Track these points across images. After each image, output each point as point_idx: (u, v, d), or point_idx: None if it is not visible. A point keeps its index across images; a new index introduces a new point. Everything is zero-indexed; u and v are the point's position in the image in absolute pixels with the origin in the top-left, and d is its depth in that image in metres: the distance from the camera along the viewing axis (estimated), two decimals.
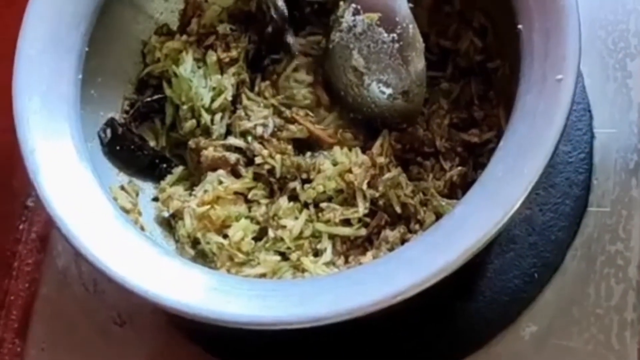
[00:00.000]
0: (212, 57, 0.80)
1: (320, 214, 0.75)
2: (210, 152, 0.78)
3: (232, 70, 0.80)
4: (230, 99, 0.80)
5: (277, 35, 0.81)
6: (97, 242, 0.66)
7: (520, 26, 0.67)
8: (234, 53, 0.81)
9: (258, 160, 0.77)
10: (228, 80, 0.80)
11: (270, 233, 0.75)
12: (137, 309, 0.84)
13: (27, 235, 0.93)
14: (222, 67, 0.81)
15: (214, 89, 0.80)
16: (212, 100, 0.79)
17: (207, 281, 0.64)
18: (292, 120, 0.79)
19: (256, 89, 0.81)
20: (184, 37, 0.82)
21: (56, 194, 0.68)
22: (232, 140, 0.79)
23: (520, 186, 0.61)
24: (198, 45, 0.82)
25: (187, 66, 0.80)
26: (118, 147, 0.78)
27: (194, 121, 0.80)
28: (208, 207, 0.76)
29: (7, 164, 0.87)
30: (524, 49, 0.66)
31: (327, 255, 0.74)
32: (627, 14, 0.86)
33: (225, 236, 0.75)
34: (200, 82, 0.80)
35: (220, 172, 0.78)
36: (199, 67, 0.81)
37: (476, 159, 0.77)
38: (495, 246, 0.79)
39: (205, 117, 0.79)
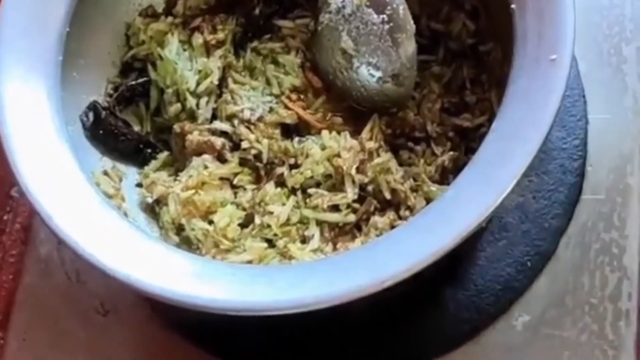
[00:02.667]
0: (198, 39, 0.79)
1: (307, 200, 0.73)
2: (195, 137, 0.76)
3: (219, 52, 0.79)
4: (216, 82, 0.78)
5: (265, 18, 0.80)
6: (77, 226, 0.64)
7: (513, 6, 0.65)
8: (220, 35, 0.79)
9: (244, 144, 0.75)
10: (214, 63, 0.78)
11: (257, 219, 0.73)
12: (120, 298, 0.82)
13: (12, 226, 0.91)
14: (208, 50, 0.79)
15: (199, 72, 0.78)
16: (198, 83, 0.78)
17: (191, 266, 0.62)
18: (280, 104, 0.77)
19: (243, 72, 0.79)
20: (170, 19, 0.80)
21: (35, 178, 0.66)
22: (218, 125, 0.77)
23: (513, 170, 0.59)
24: (184, 28, 0.80)
25: (172, 48, 0.78)
26: (101, 132, 0.76)
27: (179, 105, 0.78)
28: (193, 192, 0.74)
29: None
30: (516, 29, 0.65)
31: (315, 242, 0.72)
32: None
33: (211, 222, 0.74)
34: (186, 65, 0.78)
35: (206, 157, 0.76)
36: (184, 50, 0.79)
37: (468, 143, 0.75)
38: (487, 234, 0.78)
39: (191, 101, 0.77)
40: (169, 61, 0.78)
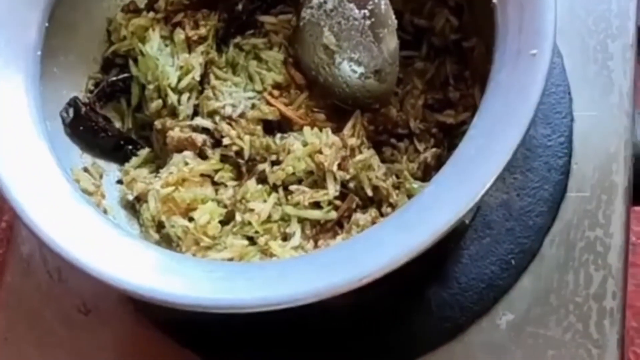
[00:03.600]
0: (179, 35, 0.78)
1: (289, 197, 0.72)
2: (176, 133, 0.76)
3: (201, 49, 0.78)
4: (198, 78, 0.77)
5: (248, 13, 0.79)
6: (54, 224, 0.63)
7: (494, 1, 0.65)
8: (202, 31, 0.78)
9: (226, 141, 0.75)
10: (196, 59, 0.77)
11: (238, 217, 0.73)
12: (102, 297, 0.82)
13: None
14: (190, 46, 0.78)
15: (181, 67, 0.77)
16: (179, 79, 0.77)
17: (168, 263, 0.62)
18: (263, 101, 0.76)
19: (225, 68, 0.79)
20: (151, 14, 0.79)
21: (13, 175, 0.65)
22: (199, 121, 0.76)
23: (493, 165, 0.58)
24: (165, 23, 0.79)
25: (153, 44, 0.77)
26: (81, 128, 0.76)
27: (160, 101, 0.77)
28: (173, 189, 0.73)
29: None
30: (498, 24, 0.64)
31: (296, 240, 0.71)
32: None
33: (191, 219, 0.73)
34: (167, 61, 0.77)
35: (187, 153, 0.75)
36: (166, 46, 0.78)
37: (451, 140, 0.74)
38: (471, 231, 0.77)
39: (172, 97, 0.76)
40: (150, 57, 0.77)
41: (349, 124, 0.74)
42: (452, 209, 0.58)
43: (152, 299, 0.59)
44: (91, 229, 0.64)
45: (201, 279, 0.60)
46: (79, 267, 0.61)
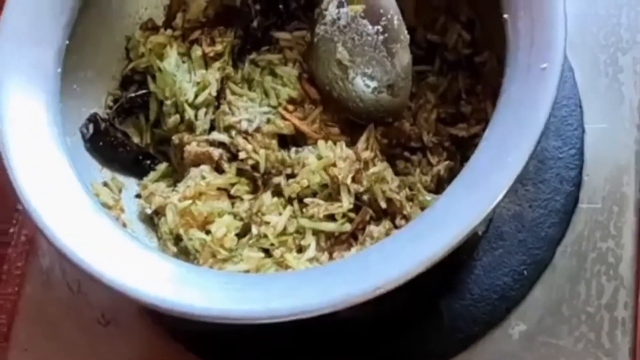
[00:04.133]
0: (196, 51, 0.80)
1: (304, 210, 0.74)
2: (193, 148, 0.77)
3: (217, 64, 0.79)
4: (214, 94, 0.79)
5: (263, 30, 0.81)
6: (75, 237, 0.64)
7: (505, 15, 0.66)
8: (219, 47, 0.80)
9: (242, 155, 0.76)
10: (212, 75, 0.79)
11: (254, 229, 0.74)
12: (121, 309, 0.83)
13: (17, 238, 0.92)
14: (206, 62, 0.80)
15: (198, 83, 0.79)
16: (196, 95, 0.78)
17: (185, 275, 0.63)
18: (278, 115, 0.78)
19: (240, 84, 0.80)
20: (169, 31, 0.81)
21: (35, 190, 0.66)
22: (216, 136, 0.77)
23: (504, 177, 0.59)
24: (183, 40, 0.81)
25: (171, 61, 0.79)
26: (101, 143, 0.77)
27: (177, 116, 0.79)
28: (190, 202, 0.74)
29: None
30: (509, 39, 0.65)
31: (311, 251, 0.72)
32: (618, 7, 0.85)
33: (208, 232, 0.74)
34: (185, 77, 0.79)
35: (204, 167, 0.77)
36: (183, 62, 0.80)
37: (464, 153, 0.76)
38: (483, 243, 0.78)
39: (189, 112, 0.78)
40: (168, 73, 0.79)
41: (363, 138, 0.75)
42: (465, 221, 0.59)
43: (170, 311, 0.60)
44: (111, 242, 0.65)
45: (218, 290, 0.60)
46: (98, 279, 0.62)
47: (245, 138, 0.76)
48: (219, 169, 0.77)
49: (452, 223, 0.59)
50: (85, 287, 0.85)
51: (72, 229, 0.65)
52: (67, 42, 0.73)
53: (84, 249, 0.64)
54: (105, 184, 0.76)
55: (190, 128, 0.79)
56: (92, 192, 0.71)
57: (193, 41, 0.81)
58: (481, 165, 0.62)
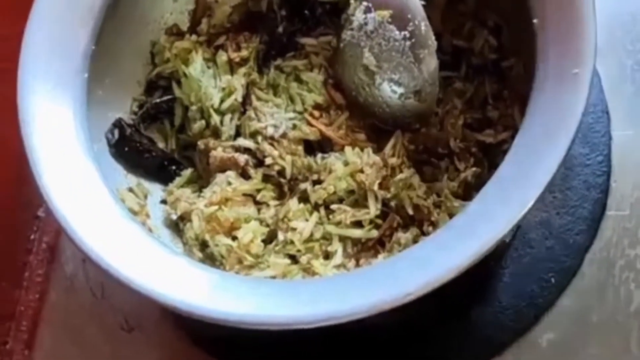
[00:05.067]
0: (222, 57, 0.79)
1: (330, 216, 0.73)
2: (219, 153, 0.77)
3: (243, 70, 0.79)
4: (240, 99, 0.79)
5: (288, 35, 0.81)
6: (102, 242, 0.64)
7: (535, 20, 0.65)
8: (244, 53, 0.79)
9: (268, 161, 0.76)
10: (238, 81, 0.79)
11: (280, 236, 0.74)
12: (145, 315, 0.83)
13: (38, 245, 0.92)
14: (232, 67, 0.80)
15: (223, 89, 0.78)
16: (222, 100, 0.78)
17: (215, 281, 0.62)
18: (304, 121, 0.78)
19: (266, 89, 0.80)
20: (194, 37, 0.80)
21: (61, 195, 0.66)
22: (242, 141, 0.77)
23: (534, 185, 0.59)
24: (208, 45, 0.81)
25: (196, 66, 0.79)
26: (126, 149, 0.77)
27: (203, 122, 0.79)
28: (216, 208, 0.74)
29: (18, 174, 0.86)
30: (538, 44, 0.65)
31: (338, 258, 0.72)
32: None
33: (234, 238, 0.74)
34: (210, 82, 0.79)
35: (229, 173, 0.76)
36: (208, 67, 0.79)
37: (491, 159, 0.75)
38: (511, 250, 0.77)
39: (215, 118, 0.78)
40: (193, 79, 0.78)
41: (390, 144, 0.75)
42: (495, 229, 0.58)
43: (205, 318, 0.60)
44: (138, 247, 0.65)
45: (248, 296, 0.60)
46: (128, 285, 0.62)
47: (272, 144, 0.76)
48: (244, 175, 0.77)
49: (482, 231, 0.59)
50: (109, 292, 0.85)
51: (100, 235, 0.65)
52: (93, 47, 0.73)
53: (114, 255, 0.64)
54: (131, 190, 0.76)
55: (216, 134, 0.79)
56: (119, 198, 0.71)
57: (218, 47, 0.81)
58: (511, 172, 0.61)
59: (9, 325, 0.88)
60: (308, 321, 0.59)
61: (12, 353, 0.87)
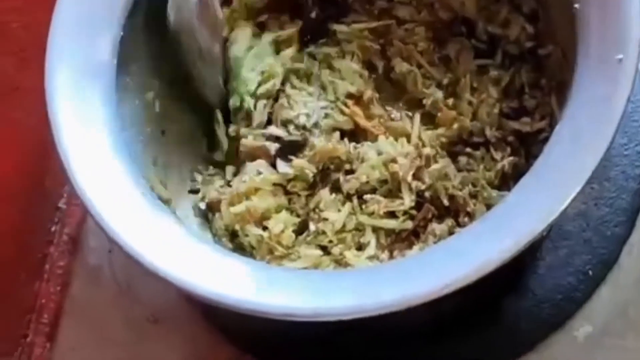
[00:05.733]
0: (268, 37, 0.78)
1: (363, 206, 0.72)
2: (249, 141, 0.76)
3: (289, 52, 0.78)
4: (279, 85, 0.77)
5: (321, 21, 0.79)
6: (130, 230, 0.63)
7: (576, 5, 0.64)
8: (290, 31, 0.79)
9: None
10: (280, 65, 0.77)
11: (312, 226, 0.72)
12: (171, 306, 0.81)
13: (59, 237, 0.90)
14: (277, 48, 0.79)
15: (263, 73, 0.77)
16: (259, 84, 0.77)
17: (251, 271, 0.61)
18: (336, 110, 0.76)
19: (299, 77, 0.79)
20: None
21: (89, 181, 0.65)
22: (273, 130, 0.76)
23: (576, 177, 0.57)
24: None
25: (241, 46, 0.78)
26: None
27: (237, 101, 0.78)
28: (246, 198, 0.73)
29: (40, 165, 0.86)
30: (579, 29, 0.63)
31: (371, 249, 0.71)
32: None
33: (265, 229, 0.73)
34: (251, 64, 0.78)
35: (260, 162, 0.75)
36: (251, 47, 0.78)
37: (528, 148, 0.73)
38: (547, 242, 0.76)
39: (249, 102, 0.77)
40: (237, 58, 0.77)
41: (425, 134, 0.74)
42: (534, 221, 0.57)
43: (252, 312, 0.59)
44: (167, 236, 0.64)
45: (294, 288, 0.59)
46: (156, 273, 0.61)
47: (303, 133, 0.75)
48: (274, 164, 0.76)
49: (521, 223, 0.57)
50: (135, 284, 0.84)
51: (128, 222, 0.64)
52: (121, 33, 0.71)
53: (142, 242, 0.62)
54: (160, 180, 0.74)
55: (248, 118, 0.77)
56: (148, 186, 0.70)
57: (261, 24, 0.80)
58: (552, 163, 0.60)
59: (29, 318, 0.87)
60: (339, 314, 0.57)
61: (33, 346, 0.86)
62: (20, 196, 0.90)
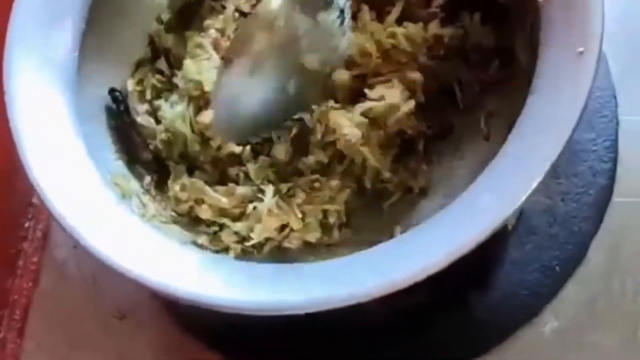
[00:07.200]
0: None
1: None
2: None
3: None
4: None
5: None
6: (92, 225, 0.63)
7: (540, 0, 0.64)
8: None
9: None
10: None
11: None
12: (137, 302, 0.81)
13: (33, 233, 0.90)
14: None
15: None
16: None
17: (203, 264, 0.62)
18: None
19: None
20: None
21: (49, 177, 0.65)
22: None
23: (538, 166, 0.57)
24: None
25: None
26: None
27: None
28: None
29: (11, 160, 0.85)
30: (543, 22, 0.63)
31: None
32: None
33: None
34: None
35: None
36: None
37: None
38: (513, 237, 0.76)
39: None
40: None
41: None
42: (494, 213, 0.56)
43: (193, 302, 0.59)
44: (130, 233, 0.64)
45: (239, 279, 0.59)
46: (120, 271, 0.60)
47: None
48: None
49: (480, 217, 0.57)
50: (101, 280, 0.83)
51: (91, 220, 0.63)
52: (84, 26, 0.71)
53: (105, 240, 0.62)
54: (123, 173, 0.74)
55: None
56: (110, 180, 0.70)
57: None
58: (513, 152, 0.59)
59: (2, 314, 0.86)
60: (306, 306, 0.57)
61: (6, 342, 0.85)
62: None
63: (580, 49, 0.59)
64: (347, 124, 0.70)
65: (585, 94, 0.58)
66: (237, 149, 0.73)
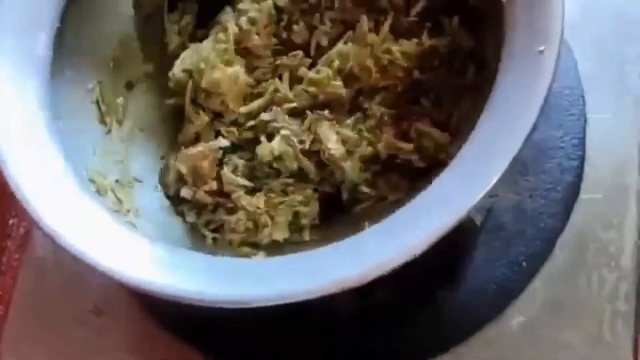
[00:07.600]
0: None
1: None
2: None
3: None
4: None
5: None
6: (67, 224, 0.64)
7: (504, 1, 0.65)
8: None
9: None
10: None
11: None
12: (114, 299, 0.82)
13: (17, 230, 0.91)
14: None
15: None
16: None
17: (164, 256, 0.62)
18: None
19: None
20: None
21: (25, 176, 0.66)
22: None
23: (498, 162, 0.58)
24: None
25: None
26: None
27: None
28: None
29: None
30: (506, 22, 0.64)
31: None
32: None
33: None
34: None
35: None
36: None
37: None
38: (482, 233, 0.77)
39: None
40: None
41: None
42: (455, 209, 0.57)
43: (158, 294, 0.60)
44: (103, 228, 0.65)
45: (202, 272, 0.60)
46: (92, 265, 0.62)
47: None
48: None
49: (439, 213, 0.58)
50: (79, 277, 0.84)
51: (66, 217, 0.64)
52: (58, 25, 0.72)
53: (79, 236, 0.63)
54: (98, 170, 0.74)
55: None
56: (86, 177, 0.70)
57: None
58: (476, 146, 0.60)
59: None
60: (268, 299, 0.58)
61: None
62: None
63: (541, 48, 0.60)
64: (333, 139, 0.71)
65: (544, 90, 0.59)
66: None
